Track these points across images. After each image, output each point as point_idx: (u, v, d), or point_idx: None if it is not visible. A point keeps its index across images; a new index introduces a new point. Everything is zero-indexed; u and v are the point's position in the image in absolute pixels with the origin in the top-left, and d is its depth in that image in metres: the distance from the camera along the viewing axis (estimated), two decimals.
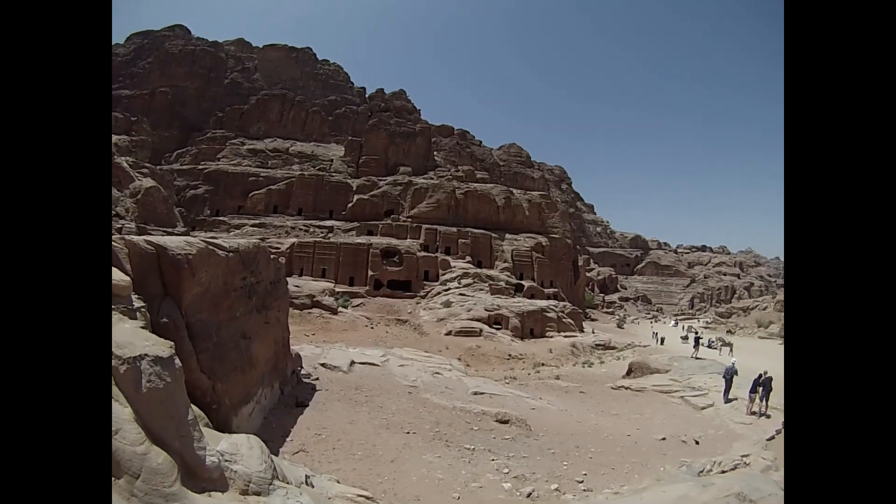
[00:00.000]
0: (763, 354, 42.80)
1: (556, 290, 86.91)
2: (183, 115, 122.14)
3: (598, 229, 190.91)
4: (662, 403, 25.07)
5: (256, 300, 15.57)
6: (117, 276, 8.64)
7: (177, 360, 7.29)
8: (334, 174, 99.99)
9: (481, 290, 72.63)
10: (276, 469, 7.91)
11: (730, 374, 24.23)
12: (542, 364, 46.54)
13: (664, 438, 18.89)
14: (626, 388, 29.18)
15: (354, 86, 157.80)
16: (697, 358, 38.04)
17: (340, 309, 58.66)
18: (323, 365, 23.23)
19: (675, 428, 20.36)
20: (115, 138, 68.06)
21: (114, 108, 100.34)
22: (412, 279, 77.04)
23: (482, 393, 23.25)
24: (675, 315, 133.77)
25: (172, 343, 7.65)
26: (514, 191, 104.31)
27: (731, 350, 48.49)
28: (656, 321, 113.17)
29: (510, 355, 49.79)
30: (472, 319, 59.79)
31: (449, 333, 55.47)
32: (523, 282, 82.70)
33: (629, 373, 34.47)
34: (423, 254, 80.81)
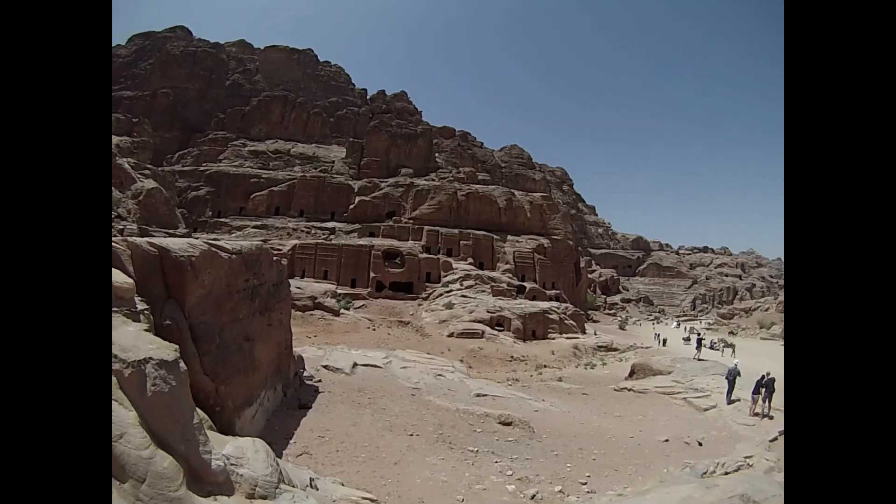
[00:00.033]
0: (765, 355, 42.68)
1: (557, 291, 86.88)
2: (184, 116, 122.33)
3: (600, 231, 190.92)
4: (665, 405, 25.03)
5: (259, 302, 15.55)
6: (120, 278, 8.61)
7: (182, 364, 7.26)
8: (336, 176, 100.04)
9: (483, 291, 72.63)
10: (282, 473, 7.89)
11: (732, 376, 24.19)
12: (545, 366, 46.53)
13: (667, 440, 18.86)
14: (629, 390, 29.13)
15: (356, 87, 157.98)
16: (700, 359, 38.04)
17: (342, 311, 58.67)
18: (325, 367, 23.20)
19: (678, 429, 20.32)
20: (116, 139, 68.09)
21: (115, 109, 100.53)
22: (414, 281, 77.05)
23: (485, 395, 23.21)
24: (677, 316, 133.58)
25: (177, 346, 7.62)
26: (516, 192, 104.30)
27: (734, 351, 48.38)
28: (658, 322, 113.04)
29: (512, 357, 49.78)
30: (474, 321, 59.80)
31: (451, 335, 55.47)
32: (525, 283, 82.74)
33: (631, 374, 34.43)
34: (424, 255, 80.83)
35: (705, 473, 13.62)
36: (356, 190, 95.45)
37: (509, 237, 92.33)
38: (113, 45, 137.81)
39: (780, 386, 20.95)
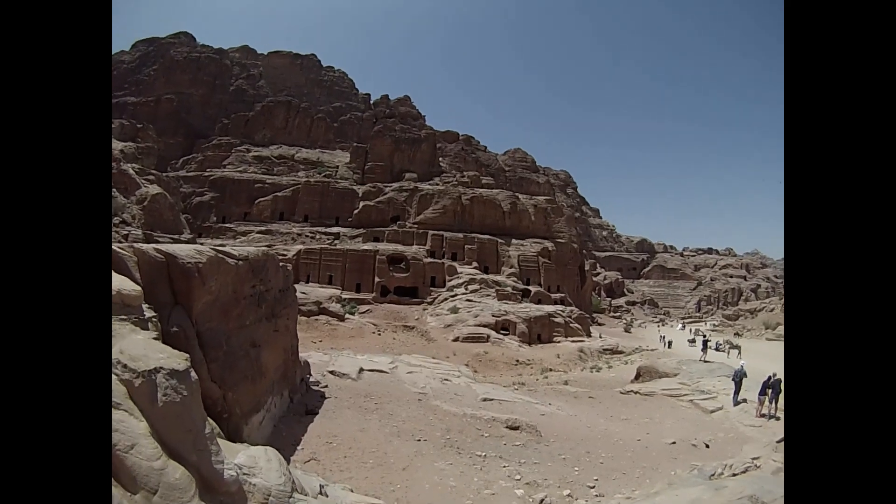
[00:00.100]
0: (771, 356, 42.51)
1: (562, 294, 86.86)
2: (188, 122, 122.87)
3: (604, 233, 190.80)
4: (672, 407, 24.95)
5: (266, 308, 15.55)
6: (127, 285, 8.59)
7: (193, 373, 7.22)
8: (340, 181, 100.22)
9: (488, 295, 72.61)
10: (295, 481, 7.86)
11: (739, 377, 24.11)
12: (550, 369, 46.44)
13: (674, 442, 18.80)
14: (635, 393, 29.04)
15: (359, 92, 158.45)
16: (706, 361, 37.91)
17: (347, 316, 58.67)
18: (331, 372, 23.18)
19: (685, 432, 20.25)
20: (121, 145, 68.40)
21: (119, 115, 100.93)
22: (419, 285, 77.06)
23: (491, 399, 23.15)
24: (683, 318, 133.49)
25: (188, 355, 7.58)
26: (520, 196, 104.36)
27: (740, 353, 48.25)
28: (663, 325, 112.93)
29: (518, 361, 49.71)
30: (479, 325, 59.77)
31: (456, 339, 55.47)
32: (530, 287, 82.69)
33: (637, 377, 34.35)
34: (429, 260, 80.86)
35: (713, 475, 13.54)
36: (360, 195, 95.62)
37: (514, 241, 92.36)
38: (117, 51, 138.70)
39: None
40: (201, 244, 29.33)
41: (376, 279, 75.89)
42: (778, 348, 53.31)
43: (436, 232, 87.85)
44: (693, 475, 13.98)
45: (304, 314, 50.88)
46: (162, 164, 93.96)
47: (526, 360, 50.08)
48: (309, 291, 59.52)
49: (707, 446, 18.46)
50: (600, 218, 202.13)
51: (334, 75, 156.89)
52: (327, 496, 9.00)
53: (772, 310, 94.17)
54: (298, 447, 14.14)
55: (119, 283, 8.40)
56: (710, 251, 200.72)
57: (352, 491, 10.59)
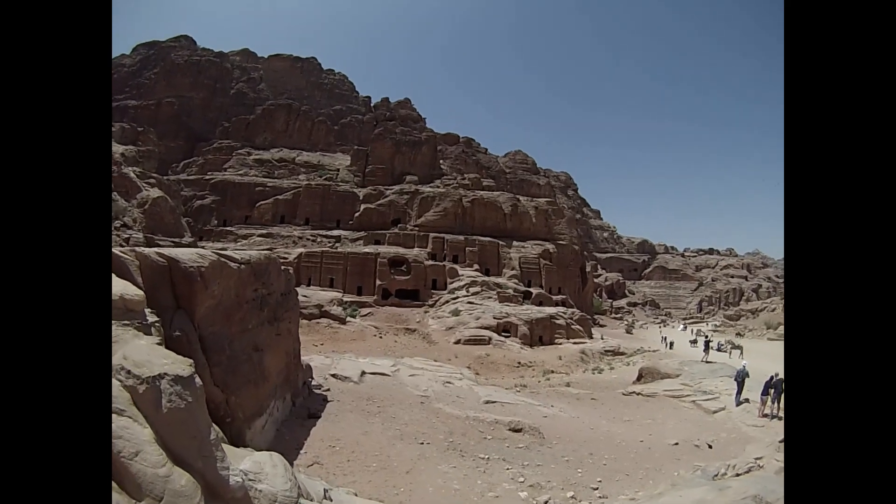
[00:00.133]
0: (773, 356, 42.47)
1: (564, 296, 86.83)
2: (189, 125, 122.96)
3: (605, 235, 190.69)
4: (674, 408, 24.93)
5: (268, 312, 15.55)
6: (130, 290, 8.58)
7: (197, 379, 7.20)
8: (341, 184, 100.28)
9: (489, 297, 72.58)
10: (301, 487, 7.85)
11: (741, 377, 24.07)
12: (552, 371, 46.38)
13: (677, 443, 18.78)
14: (637, 394, 29.01)
15: (359, 95, 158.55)
16: (708, 362, 37.88)
17: (349, 318, 58.65)
18: (333, 376, 23.17)
19: (688, 432, 20.23)
20: (122, 149, 68.41)
21: (120, 118, 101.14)
22: (420, 288, 77.03)
23: (494, 402, 23.15)
24: (684, 319, 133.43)
25: (192, 361, 7.56)
26: (521, 198, 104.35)
27: (742, 353, 48.20)
28: (665, 326, 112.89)
29: (520, 363, 49.67)
30: (480, 328, 59.73)
31: (458, 342, 55.43)
32: (531, 289, 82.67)
33: (639, 378, 34.29)
34: (430, 262, 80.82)
35: (716, 476, 13.52)
36: (361, 198, 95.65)
37: (515, 243, 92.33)
38: (117, 54, 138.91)
39: None
40: (203, 248, 29.33)
41: (377, 282, 75.90)
42: (780, 348, 53.20)
43: (437, 234, 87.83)
44: (696, 476, 13.97)
45: (305, 317, 50.83)
46: (163, 168, 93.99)
47: (528, 362, 50.03)
48: (310, 294, 59.52)
49: (710, 447, 18.44)
50: (601, 219, 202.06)
51: (335, 78, 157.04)
52: (332, 500, 8.99)
53: (773, 310, 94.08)
54: (301, 451, 14.13)
55: (122, 287, 8.39)
56: (711, 251, 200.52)
57: (356, 495, 10.59)
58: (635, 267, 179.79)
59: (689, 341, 64.21)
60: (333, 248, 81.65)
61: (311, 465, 13.28)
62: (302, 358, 20.82)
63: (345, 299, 67.03)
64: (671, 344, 60.79)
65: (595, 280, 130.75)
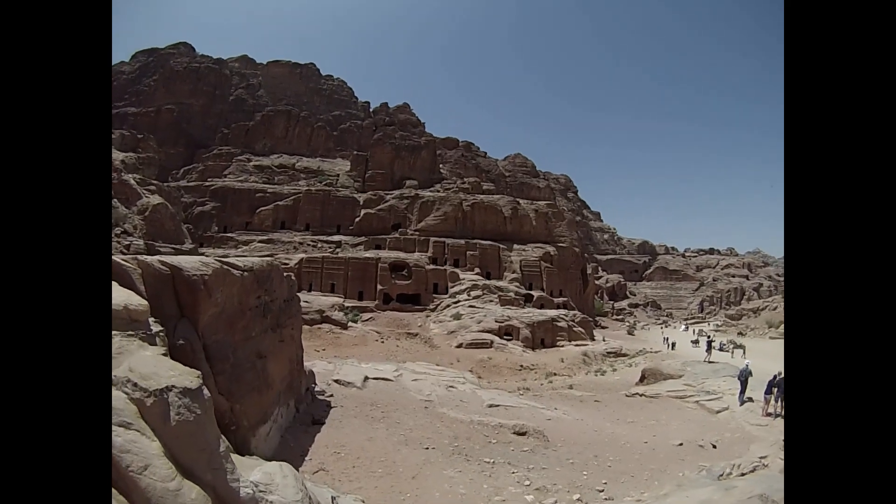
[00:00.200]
0: (775, 355, 42.39)
1: (565, 299, 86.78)
2: (188, 132, 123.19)
3: (606, 236, 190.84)
4: (677, 409, 24.95)
5: (271, 319, 15.53)
6: (134, 299, 8.54)
7: (205, 391, 7.16)
8: (341, 189, 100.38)
9: (491, 301, 72.55)
10: (311, 497, 7.81)
11: (744, 376, 24.11)
12: (555, 374, 46.36)
13: (681, 444, 18.79)
14: (641, 395, 29.02)
15: (359, 100, 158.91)
16: (710, 362, 37.91)
17: (350, 324, 58.60)
18: (336, 381, 23.15)
19: (692, 433, 20.24)
20: (121, 156, 68.58)
21: (120, 125, 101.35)
22: (421, 292, 77.02)
23: (497, 405, 23.14)
24: (686, 319, 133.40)
25: (199, 372, 7.53)
26: (521, 201, 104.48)
27: (744, 352, 48.15)
28: (667, 326, 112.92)
29: (522, 366, 49.62)
30: (482, 331, 59.68)
31: (460, 346, 55.38)
32: (532, 292, 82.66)
33: (642, 379, 34.30)
34: (431, 267, 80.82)
35: (721, 475, 13.52)
36: (361, 203, 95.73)
37: (515, 246, 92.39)
38: (117, 61, 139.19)
39: None
40: (204, 254, 29.28)
41: (379, 287, 75.88)
42: (782, 347, 53.11)
43: (437, 239, 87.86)
44: (702, 476, 13.97)
45: (307, 323, 50.69)
46: (163, 175, 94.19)
47: (530, 365, 49.99)
48: (311, 300, 59.49)
49: (714, 447, 18.45)
50: (601, 221, 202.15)
51: (333, 84, 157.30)
52: None
53: (775, 308, 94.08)
54: (306, 458, 14.09)
55: (125, 297, 8.36)
56: (711, 251, 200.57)
57: (363, 501, 10.58)
58: (636, 268, 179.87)
59: (691, 342, 64.22)
60: (334, 254, 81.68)
61: (317, 471, 13.25)
62: (304, 364, 20.80)
63: (346, 304, 66.98)
64: (673, 344, 60.81)
65: (596, 282, 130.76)
